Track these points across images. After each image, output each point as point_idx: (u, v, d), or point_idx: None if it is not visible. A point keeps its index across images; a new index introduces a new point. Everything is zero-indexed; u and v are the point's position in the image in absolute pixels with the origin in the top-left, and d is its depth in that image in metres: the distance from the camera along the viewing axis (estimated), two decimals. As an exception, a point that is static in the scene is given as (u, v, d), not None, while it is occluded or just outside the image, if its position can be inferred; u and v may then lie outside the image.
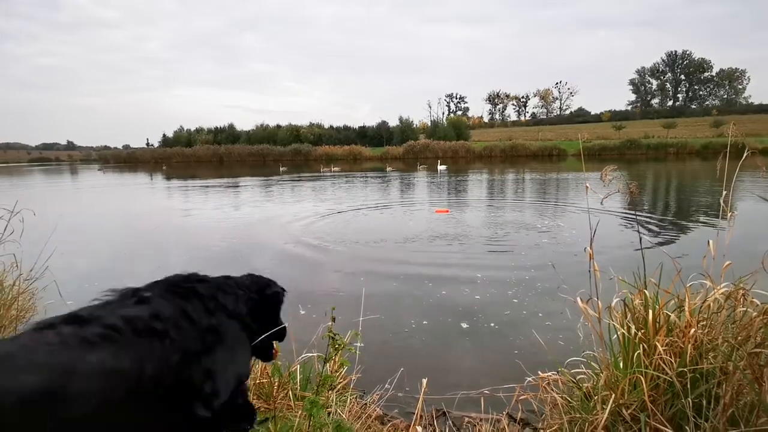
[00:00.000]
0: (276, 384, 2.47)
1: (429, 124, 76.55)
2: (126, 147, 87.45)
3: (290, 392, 2.44)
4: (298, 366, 2.58)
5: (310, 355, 2.61)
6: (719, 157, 2.36)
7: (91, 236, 9.52)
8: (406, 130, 65.13)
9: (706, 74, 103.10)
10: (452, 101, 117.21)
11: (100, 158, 74.02)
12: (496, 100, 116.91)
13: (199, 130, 76.60)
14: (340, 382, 2.69)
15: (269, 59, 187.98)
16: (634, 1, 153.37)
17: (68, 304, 4.63)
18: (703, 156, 42.08)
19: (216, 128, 75.42)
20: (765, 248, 1.87)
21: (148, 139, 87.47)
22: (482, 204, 13.43)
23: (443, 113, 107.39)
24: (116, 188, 24.56)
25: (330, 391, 2.25)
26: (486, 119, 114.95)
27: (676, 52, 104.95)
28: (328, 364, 2.50)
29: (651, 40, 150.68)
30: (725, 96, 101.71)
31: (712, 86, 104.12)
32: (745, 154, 2.30)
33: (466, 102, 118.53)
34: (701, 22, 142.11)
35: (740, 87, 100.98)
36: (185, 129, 78.42)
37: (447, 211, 11.04)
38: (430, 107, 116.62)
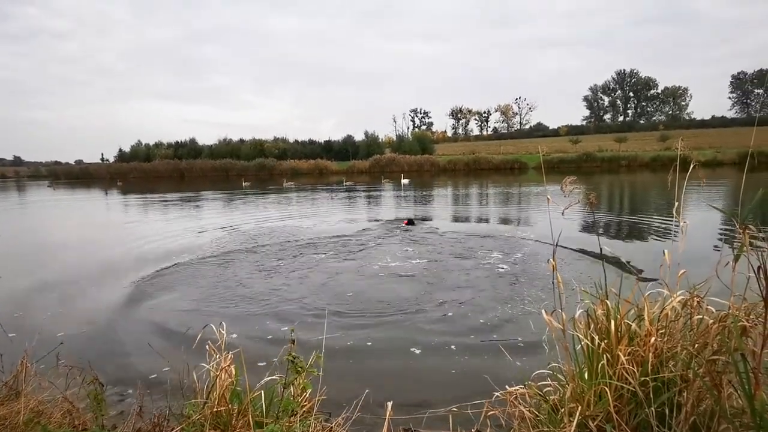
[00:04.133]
0: (235, 411, 2.33)
1: (394, 139, 77.26)
2: (79, 162, 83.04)
3: (251, 419, 2.30)
4: (262, 391, 2.45)
5: (274, 378, 2.48)
6: (670, 169, 2.45)
7: (31, 257, 8.92)
8: (371, 145, 65.48)
9: (652, 92, 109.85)
10: (417, 116, 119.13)
11: (50, 174, 69.97)
12: (459, 115, 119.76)
13: (158, 145, 73.93)
14: (304, 406, 2.57)
15: (230, 72, 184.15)
16: (584, 22, 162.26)
17: (10, 336, 4.28)
18: (652, 168, 44.49)
19: (176, 142, 73.08)
20: (716, 255, 1.93)
21: (103, 154, 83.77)
22: (446, 216, 13.56)
23: (408, 128, 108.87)
24: (63, 204, 23.24)
25: (292, 417, 2.14)
26: (450, 133, 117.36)
27: (624, 70, 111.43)
28: (291, 388, 2.39)
29: (602, 59, 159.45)
30: (670, 112, 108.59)
31: (658, 103, 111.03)
32: (691, 167, 2.40)
33: (430, 117, 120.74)
34: (644, 42, 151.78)
35: (683, 104, 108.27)
36: (143, 143, 75.67)
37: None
38: (395, 122, 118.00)
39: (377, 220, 12.87)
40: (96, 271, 7.35)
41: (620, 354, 1.93)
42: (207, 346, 2.51)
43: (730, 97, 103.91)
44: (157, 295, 5.90)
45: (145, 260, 8.06)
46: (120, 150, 76.60)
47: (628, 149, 55.93)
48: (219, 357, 2.45)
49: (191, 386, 2.50)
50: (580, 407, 1.95)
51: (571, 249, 7.78)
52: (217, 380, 2.38)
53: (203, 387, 2.41)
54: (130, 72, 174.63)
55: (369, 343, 4.19)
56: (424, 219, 11.30)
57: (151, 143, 75.05)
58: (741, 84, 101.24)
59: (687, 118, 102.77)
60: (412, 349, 4.02)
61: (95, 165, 73.19)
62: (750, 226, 1.52)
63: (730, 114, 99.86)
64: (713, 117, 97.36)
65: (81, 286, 6.50)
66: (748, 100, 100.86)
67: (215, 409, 2.33)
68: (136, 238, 10.78)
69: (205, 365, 2.47)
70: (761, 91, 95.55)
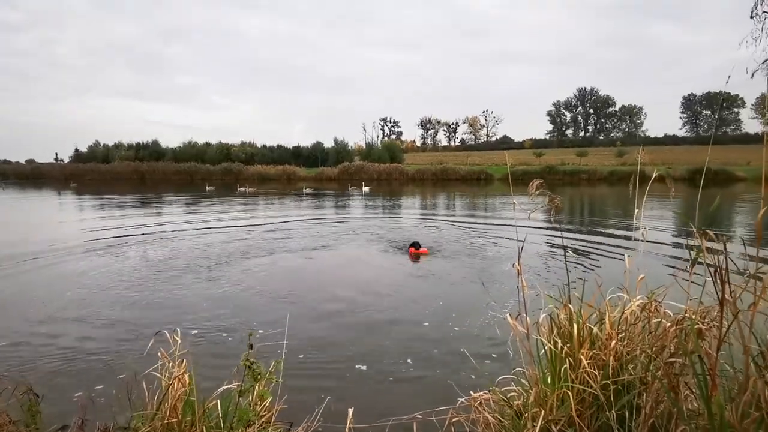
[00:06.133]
0: (188, 422, 2.19)
1: (364, 147, 77.31)
2: (30, 162, 78.17)
3: (205, 431, 2.17)
4: (218, 400, 2.32)
5: (231, 386, 2.36)
6: (627, 182, 2.53)
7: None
8: (341, 152, 65.24)
9: (610, 109, 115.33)
10: (386, 125, 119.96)
11: (-1, 173, 65.64)
12: (428, 126, 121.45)
13: (118, 146, 70.81)
14: (264, 415, 2.46)
15: (196, 72, 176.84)
16: (549, 40, 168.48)
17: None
18: (610, 182, 46.47)
19: (138, 144, 70.17)
20: (675, 261, 1.99)
21: (57, 154, 79.56)
22: (413, 223, 13.62)
23: (378, 136, 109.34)
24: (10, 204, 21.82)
25: (249, 427, 2.03)
26: (419, 143, 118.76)
27: (585, 88, 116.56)
28: (249, 396, 2.28)
29: (564, 76, 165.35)
30: (626, 129, 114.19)
31: (615, 120, 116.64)
32: (654, 175, 2.49)
33: (399, 126, 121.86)
34: (604, 62, 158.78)
35: (638, 122, 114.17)
36: (102, 144, 72.39)
37: (426, 252, 8.42)
38: (364, 130, 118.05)
39: (346, 223, 12.77)
40: (36, 273, 6.88)
41: (582, 358, 1.94)
42: (159, 354, 2.36)
43: (681, 117, 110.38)
44: (103, 300, 5.56)
45: (91, 261, 7.63)
46: (76, 150, 73.03)
47: (588, 163, 58.21)
48: (172, 365, 2.31)
49: (141, 397, 2.35)
50: (543, 412, 1.94)
51: (537, 254, 7.95)
52: (170, 390, 2.24)
53: (154, 398, 2.26)
54: (89, 68, 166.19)
55: (331, 350, 4.09)
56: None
57: (111, 144, 71.97)
58: (691, 105, 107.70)
59: (642, 135, 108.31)
60: (375, 356, 3.95)
61: (48, 165, 69.35)
62: (707, 231, 1.56)
63: (681, 133, 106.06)
64: (665, 135, 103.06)
65: (16, 289, 6.06)
66: (697, 121, 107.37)
67: (166, 421, 2.19)
68: (81, 238, 10.22)
69: (156, 374, 2.32)
70: (709, 112, 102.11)
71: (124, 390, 2.38)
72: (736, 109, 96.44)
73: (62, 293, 5.88)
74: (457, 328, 4.60)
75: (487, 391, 2.29)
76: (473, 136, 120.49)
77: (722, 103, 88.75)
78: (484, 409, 2.21)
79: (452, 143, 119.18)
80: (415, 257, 8.08)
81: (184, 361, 2.33)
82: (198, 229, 12.17)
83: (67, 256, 8.29)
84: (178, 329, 2.53)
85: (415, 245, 8.33)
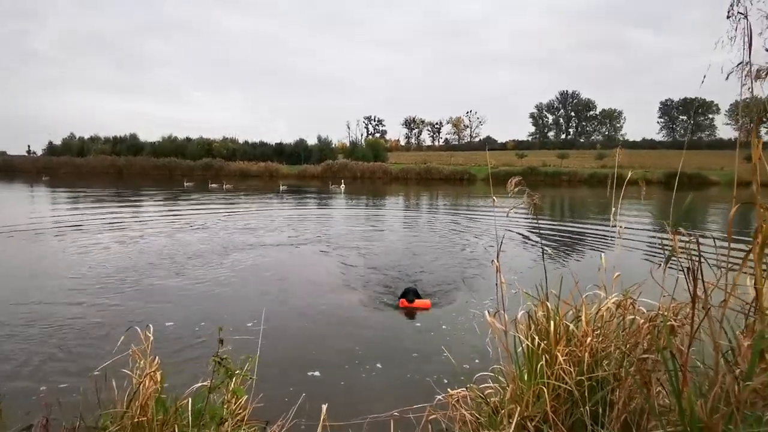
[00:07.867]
0: (159, 421, 2.13)
1: (348, 145, 77.02)
2: (1, 154, 75.48)
3: (176, 430, 2.12)
4: (189, 399, 2.26)
5: (205, 383, 2.30)
6: (608, 178, 2.56)
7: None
8: (324, 149, 64.86)
9: (591, 113, 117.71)
10: (371, 123, 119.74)
11: (-34, 166, 63.12)
12: (412, 125, 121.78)
13: (94, 139, 68.95)
14: (238, 413, 2.41)
15: (177, 69, 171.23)
16: (531, 43, 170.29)
17: None
18: (590, 184, 47.32)
19: (115, 138, 68.43)
20: (650, 259, 2.02)
21: (29, 146, 76.90)
22: (396, 222, 13.64)
23: (362, 134, 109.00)
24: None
25: (221, 425, 1.98)
26: (403, 142, 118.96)
27: (567, 91, 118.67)
28: (224, 395, 2.23)
29: (546, 79, 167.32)
30: (606, 132, 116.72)
31: (596, 123, 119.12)
32: (629, 175, 2.53)
33: (384, 125, 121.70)
34: (584, 66, 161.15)
35: (618, 125, 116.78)
36: (77, 137, 70.39)
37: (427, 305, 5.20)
38: (348, 128, 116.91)
39: (325, 223, 12.69)
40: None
41: (558, 354, 1.95)
42: (130, 351, 2.29)
43: (658, 122, 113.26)
44: (71, 294, 5.37)
45: (56, 253, 7.39)
46: (50, 143, 70.83)
47: (569, 165, 59.24)
48: (143, 362, 2.25)
49: (110, 395, 2.27)
50: (519, 408, 1.95)
51: (515, 251, 8.03)
52: (140, 387, 2.17)
53: (124, 396, 2.19)
54: (66, 61, 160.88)
55: (310, 348, 4.05)
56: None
57: (86, 137, 70.07)
58: (668, 110, 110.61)
59: (621, 139, 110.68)
60: (353, 354, 3.93)
61: (20, 158, 67.15)
62: (680, 230, 1.59)
63: (659, 137, 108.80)
64: (643, 139, 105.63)
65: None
66: (674, 126, 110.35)
67: (136, 420, 2.13)
68: (48, 228, 9.92)
69: (127, 371, 2.25)
70: (685, 117, 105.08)
71: (93, 388, 2.30)
72: (710, 115, 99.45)
73: (26, 285, 5.68)
74: (436, 326, 4.61)
75: (464, 389, 2.29)
76: (457, 137, 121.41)
77: (697, 108, 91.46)
78: (461, 407, 2.21)
79: (436, 143, 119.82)
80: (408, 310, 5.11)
81: (156, 358, 2.26)
82: (169, 224, 11.92)
83: (32, 244, 8.03)
84: (150, 325, 2.46)
85: (408, 296, 5.13)
